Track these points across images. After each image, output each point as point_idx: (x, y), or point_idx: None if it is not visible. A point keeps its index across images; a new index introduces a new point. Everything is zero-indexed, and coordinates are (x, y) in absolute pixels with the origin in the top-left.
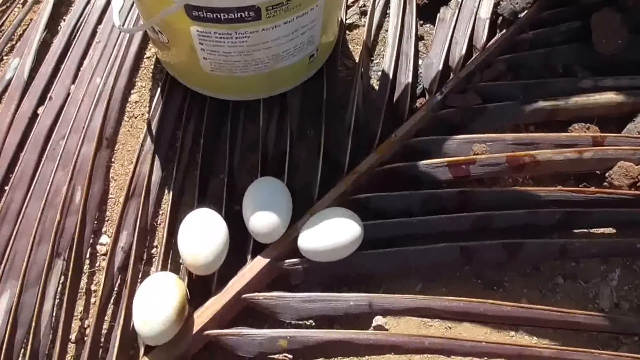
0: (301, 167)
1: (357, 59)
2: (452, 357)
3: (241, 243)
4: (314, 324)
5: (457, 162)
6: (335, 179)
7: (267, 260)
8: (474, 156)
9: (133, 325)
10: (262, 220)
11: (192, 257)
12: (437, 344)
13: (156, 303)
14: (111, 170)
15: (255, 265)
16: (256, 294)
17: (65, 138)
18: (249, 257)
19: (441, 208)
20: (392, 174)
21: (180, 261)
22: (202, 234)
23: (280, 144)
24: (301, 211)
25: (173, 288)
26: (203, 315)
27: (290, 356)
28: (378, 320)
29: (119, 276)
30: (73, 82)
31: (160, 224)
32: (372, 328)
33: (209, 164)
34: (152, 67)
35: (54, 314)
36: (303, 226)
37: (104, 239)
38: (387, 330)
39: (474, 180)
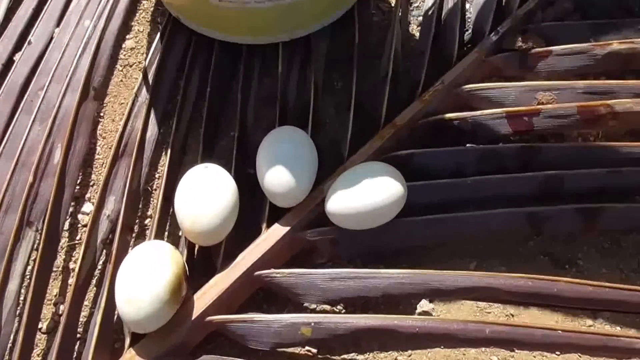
0: (328, 124)
1: (393, 1)
2: (517, 351)
3: (255, 210)
4: (343, 309)
5: (517, 112)
6: (369, 136)
7: (287, 229)
8: (539, 106)
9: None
10: (281, 178)
11: (191, 221)
12: (501, 333)
13: (144, 277)
14: (99, 127)
15: (271, 235)
16: (272, 270)
17: (45, 88)
18: (263, 225)
19: (500, 167)
20: (439, 127)
21: (180, 234)
22: (205, 194)
23: (302, 97)
24: (328, 172)
25: (166, 259)
26: (205, 297)
27: (315, 350)
28: (423, 304)
29: (103, 250)
30: (57, 25)
31: (155, 190)
32: (416, 314)
33: (216, 120)
34: (152, 9)
35: (21, 297)
36: (332, 186)
37: (88, 207)
38: (434, 316)
39: (535, 138)
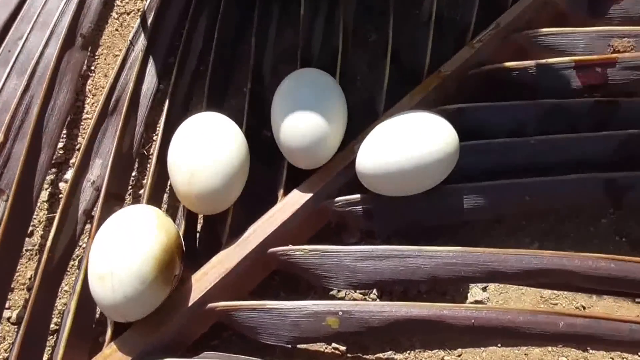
0: (359, 82)
1: None
2: (591, 351)
3: (270, 176)
4: (377, 298)
5: (589, 62)
6: (409, 89)
7: (308, 196)
8: (615, 54)
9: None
10: (302, 132)
11: (187, 179)
12: (578, 327)
13: (123, 249)
14: (89, 82)
15: (289, 204)
16: (290, 247)
17: (26, 36)
18: (280, 192)
19: (569, 125)
20: (493, 78)
21: (181, 209)
22: (206, 148)
23: (329, 48)
24: (360, 130)
25: (152, 226)
26: (206, 278)
27: (343, 347)
28: (476, 293)
29: (86, 223)
30: None
31: (152, 154)
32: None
33: (225, 73)
34: None
35: None
36: (364, 141)
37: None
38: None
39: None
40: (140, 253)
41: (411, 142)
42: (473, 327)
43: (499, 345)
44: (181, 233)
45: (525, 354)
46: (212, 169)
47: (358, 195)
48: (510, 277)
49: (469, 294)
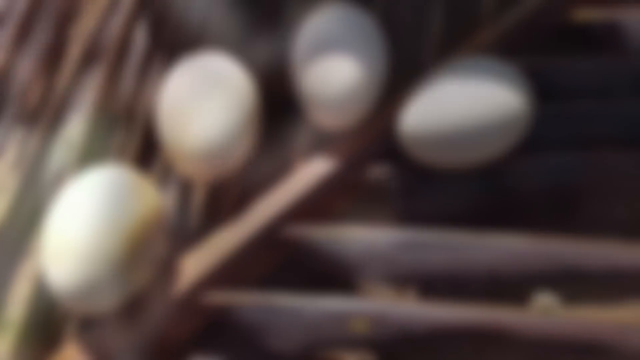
0: (400, 32)
1: None
2: None
3: (287, 135)
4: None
5: None
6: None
7: (334, 164)
8: None
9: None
10: (328, 79)
11: (174, 129)
12: None
13: (81, 219)
14: (78, 26)
15: (308, 172)
16: (309, 226)
17: None
18: (299, 157)
19: None
20: (574, 29)
21: (174, 175)
22: (203, 88)
23: None
24: (401, 86)
25: (121, 190)
26: (198, 262)
27: (372, 359)
28: (543, 299)
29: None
30: None
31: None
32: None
33: (244, 13)
34: None
35: None
36: (411, 94)
37: (39, 130)
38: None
39: None
40: (102, 224)
41: (470, 96)
42: (550, 343)
43: None
44: (171, 203)
45: None
46: (210, 114)
47: (398, 164)
48: (594, 278)
49: (534, 299)
